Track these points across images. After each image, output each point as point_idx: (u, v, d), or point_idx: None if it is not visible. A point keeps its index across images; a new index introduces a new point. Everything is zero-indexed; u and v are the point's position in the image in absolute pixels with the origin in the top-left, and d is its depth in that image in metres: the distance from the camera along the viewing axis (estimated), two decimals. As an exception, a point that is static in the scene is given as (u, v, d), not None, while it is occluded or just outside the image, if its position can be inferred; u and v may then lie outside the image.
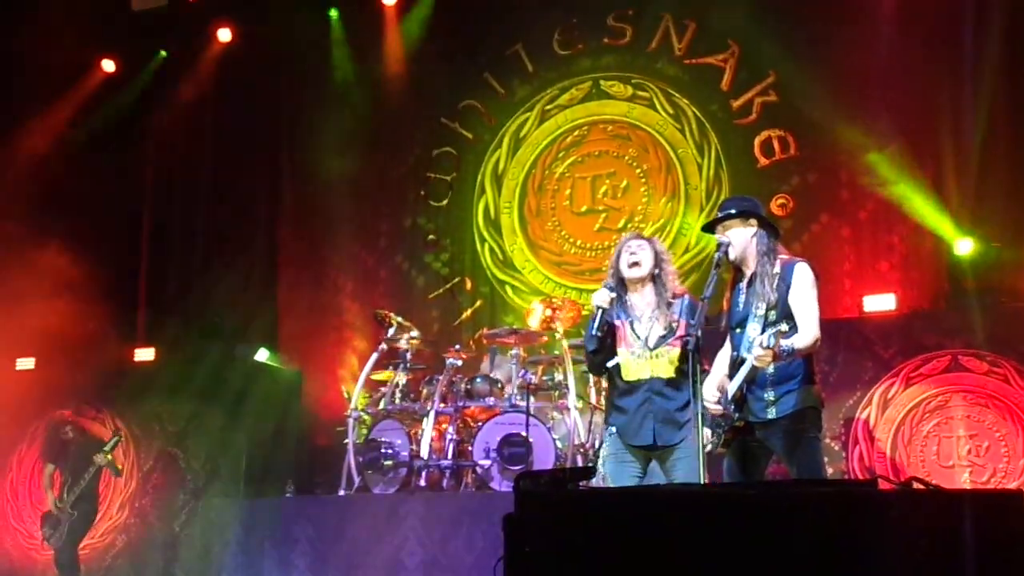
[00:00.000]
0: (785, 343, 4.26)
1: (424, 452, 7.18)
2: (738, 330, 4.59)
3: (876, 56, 8.08)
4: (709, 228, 4.84)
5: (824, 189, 8.47)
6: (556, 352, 7.57)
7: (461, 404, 7.41)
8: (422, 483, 7.14)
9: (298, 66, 10.18)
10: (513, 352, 7.51)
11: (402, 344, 7.75)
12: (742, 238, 4.63)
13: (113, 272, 9.77)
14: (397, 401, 7.62)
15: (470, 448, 7.17)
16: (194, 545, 7.95)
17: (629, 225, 9.13)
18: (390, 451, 7.26)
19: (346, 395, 7.84)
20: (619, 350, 4.86)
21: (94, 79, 10.35)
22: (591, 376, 7.04)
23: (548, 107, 9.71)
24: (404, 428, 7.34)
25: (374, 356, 7.80)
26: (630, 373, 4.82)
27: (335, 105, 10.01)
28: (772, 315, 4.46)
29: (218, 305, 9.56)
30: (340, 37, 10.10)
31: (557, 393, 7.47)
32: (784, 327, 4.33)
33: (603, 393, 6.53)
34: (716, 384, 4.64)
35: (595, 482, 4.86)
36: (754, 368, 4.39)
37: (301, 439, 9.01)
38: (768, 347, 4.22)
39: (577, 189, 9.48)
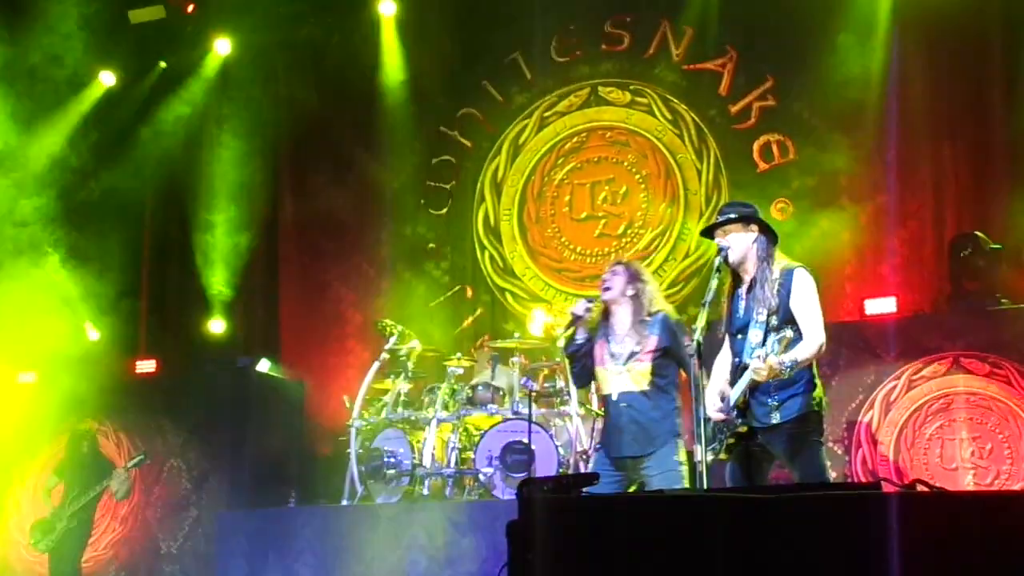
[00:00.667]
0: (787, 358, 4.24)
1: (427, 460, 7.18)
2: (739, 336, 4.59)
3: (874, 61, 8.09)
4: (708, 233, 4.83)
5: (824, 193, 8.46)
6: (558, 359, 7.57)
7: (463, 412, 7.42)
8: (425, 492, 7.14)
9: (297, 77, 10.18)
10: (515, 359, 7.51)
11: (403, 353, 7.75)
12: (742, 243, 4.63)
13: (114, 284, 9.76)
14: (399, 410, 7.62)
15: (472, 456, 7.18)
16: (197, 557, 7.95)
17: (629, 231, 9.14)
18: (392, 460, 7.27)
19: (348, 405, 7.82)
20: (597, 368, 5.31)
21: (93, 92, 10.35)
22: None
23: (547, 114, 9.70)
24: (406, 437, 7.35)
25: (376, 365, 7.81)
26: (606, 388, 5.30)
27: (333, 115, 10.02)
28: (773, 320, 4.45)
29: (219, 316, 9.56)
30: (338, 48, 10.10)
31: (559, 400, 7.46)
32: (789, 333, 4.32)
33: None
34: (717, 390, 4.64)
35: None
36: (755, 377, 4.39)
37: (304, 449, 8.99)
38: (771, 360, 4.22)
39: (576, 195, 9.47)
